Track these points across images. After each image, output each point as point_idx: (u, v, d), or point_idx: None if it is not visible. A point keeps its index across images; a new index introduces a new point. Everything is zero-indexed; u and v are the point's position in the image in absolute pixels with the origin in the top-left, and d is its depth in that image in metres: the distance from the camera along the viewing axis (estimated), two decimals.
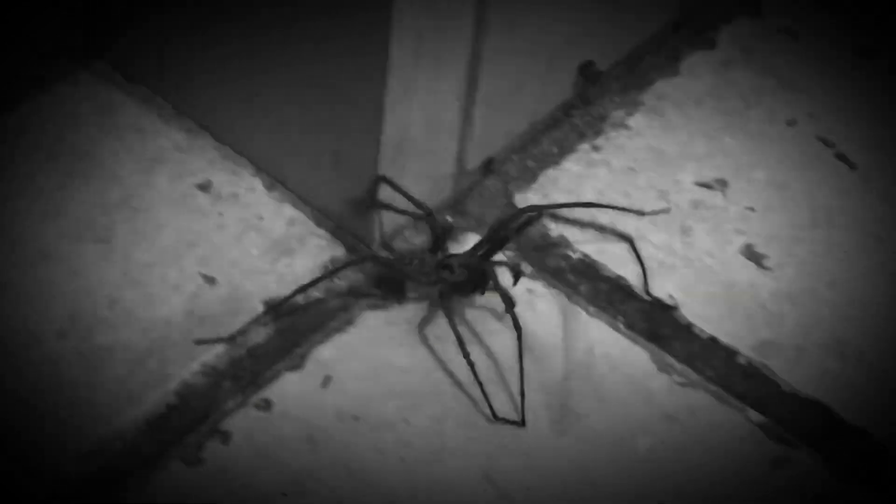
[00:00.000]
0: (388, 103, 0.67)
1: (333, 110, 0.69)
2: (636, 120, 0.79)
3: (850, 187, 0.76)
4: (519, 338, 0.65)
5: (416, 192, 0.72)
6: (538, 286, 0.71)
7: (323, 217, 0.72)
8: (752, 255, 0.74)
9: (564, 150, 0.77)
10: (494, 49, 0.71)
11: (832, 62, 0.82)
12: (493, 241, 0.69)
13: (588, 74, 0.79)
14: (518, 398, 0.66)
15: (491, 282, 0.67)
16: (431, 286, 0.69)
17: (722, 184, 0.76)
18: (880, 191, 0.76)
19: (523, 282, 0.71)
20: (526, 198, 0.75)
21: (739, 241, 0.74)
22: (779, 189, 0.76)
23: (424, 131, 0.70)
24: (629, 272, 0.72)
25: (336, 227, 0.72)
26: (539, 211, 0.71)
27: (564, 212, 0.74)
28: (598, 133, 0.78)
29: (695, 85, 0.81)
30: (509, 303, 0.65)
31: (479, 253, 0.69)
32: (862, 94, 0.80)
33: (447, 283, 0.68)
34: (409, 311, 0.70)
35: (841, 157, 0.78)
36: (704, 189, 0.76)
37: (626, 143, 0.78)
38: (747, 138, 0.78)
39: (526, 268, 0.71)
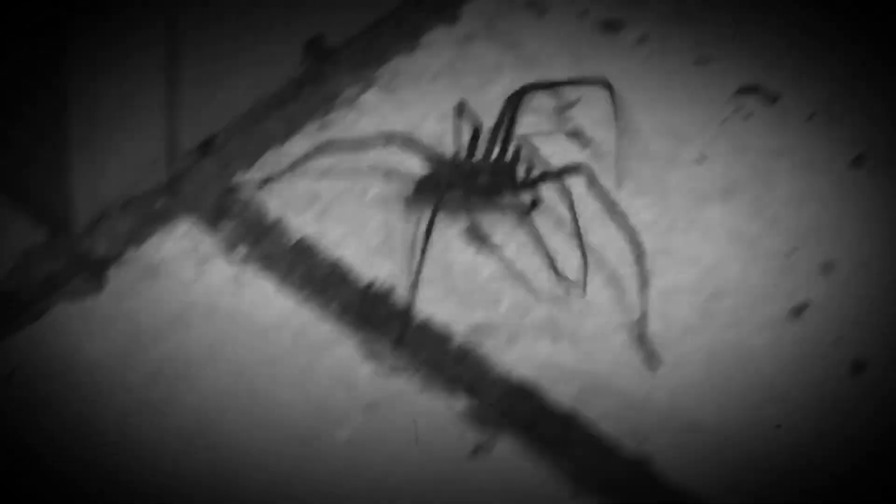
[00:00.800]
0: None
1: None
2: (368, 97, 0.76)
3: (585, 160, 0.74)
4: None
5: (125, 175, 0.69)
6: (247, 273, 0.68)
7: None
8: (472, 237, 0.71)
9: (291, 130, 0.74)
10: (196, 19, 0.68)
11: (577, 36, 0.80)
12: (503, 139, 0.71)
13: (316, 50, 0.76)
14: None
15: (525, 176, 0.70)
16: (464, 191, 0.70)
17: None
18: (610, 167, 0.74)
19: (229, 270, 0.69)
20: (247, 178, 0.72)
21: (460, 224, 0.71)
22: None
23: (120, 109, 0.67)
24: (348, 254, 0.70)
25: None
26: (533, 88, 0.72)
27: (287, 190, 0.71)
28: (327, 111, 0.75)
29: (433, 61, 0.78)
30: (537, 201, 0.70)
31: (499, 156, 0.71)
32: (604, 67, 0.78)
33: (479, 187, 0.70)
34: (105, 299, 0.67)
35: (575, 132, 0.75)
36: None
37: (357, 121, 0.75)
38: (483, 114, 0.75)
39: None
